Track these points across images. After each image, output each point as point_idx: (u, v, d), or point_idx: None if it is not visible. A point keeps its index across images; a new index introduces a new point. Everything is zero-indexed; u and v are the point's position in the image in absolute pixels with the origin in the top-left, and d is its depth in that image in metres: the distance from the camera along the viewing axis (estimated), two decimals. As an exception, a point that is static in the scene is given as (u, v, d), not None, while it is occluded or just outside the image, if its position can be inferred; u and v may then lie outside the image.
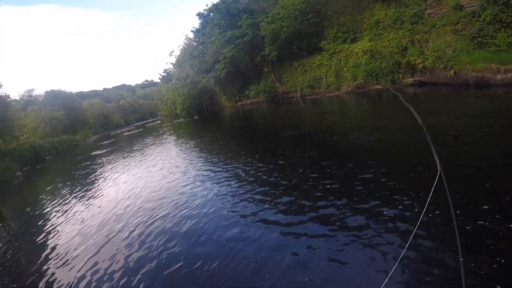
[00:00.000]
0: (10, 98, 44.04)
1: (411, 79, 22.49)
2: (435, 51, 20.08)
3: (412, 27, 22.85)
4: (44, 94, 75.29)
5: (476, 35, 18.06)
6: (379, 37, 25.85)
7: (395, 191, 6.37)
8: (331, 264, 4.68)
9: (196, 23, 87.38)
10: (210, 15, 48.80)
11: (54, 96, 72.71)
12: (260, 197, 8.00)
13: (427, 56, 20.52)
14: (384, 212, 5.70)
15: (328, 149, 11.18)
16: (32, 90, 76.90)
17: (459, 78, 18.01)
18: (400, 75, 23.29)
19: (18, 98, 73.21)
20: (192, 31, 59.14)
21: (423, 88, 20.55)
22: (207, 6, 49.93)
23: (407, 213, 5.46)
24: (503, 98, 13.32)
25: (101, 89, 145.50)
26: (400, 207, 5.72)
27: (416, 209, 5.44)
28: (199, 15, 51.87)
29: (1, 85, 37.23)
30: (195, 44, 57.23)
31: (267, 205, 7.41)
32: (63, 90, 77.28)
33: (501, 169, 6.28)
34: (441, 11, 21.83)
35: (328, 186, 7.53)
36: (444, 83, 19.26)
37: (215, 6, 45.20)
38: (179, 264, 5.69)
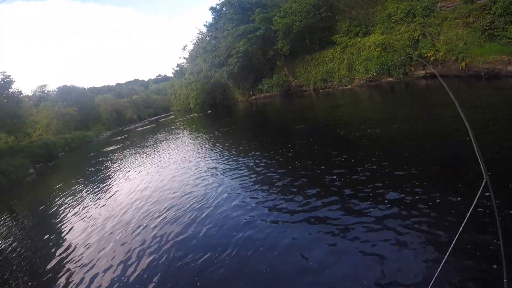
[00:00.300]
0: (22, 94, 43.76)
1: (422, 72, 22.92)
2: (447, 43, 20.48)
3: (424, 20, 23.21)
4: (56, 89, 75.62)
5: (487, 28, 18.43)
6: (391, 30, 26.24)
7: (410, 184, 6.34)
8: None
9: (209, 17, 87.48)
10: (223, 10, 49.35)
11: (66, 92, 72.53)
12: (271, 189, 8.15)
13: (438, 49, 20.95)
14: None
15: (337, 141, 11.47)
16: (45, 86, 77.78)
17: (470, 70, 18.45)
18: (412, 68, 23.69)
19: (30, 94, 74.19)
20: (205, 25, 59.84)
21: (434, 80, 20.95)
22: (220, 0, 50.45)
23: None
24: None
25: (114, 84, 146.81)
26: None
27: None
28: (212, 9, 52.46)
29: (14, 81, 37.43)
30: (208, 38, 57.89)
31: (277, 197, 7.56)
32: (75, 85, 77.35)
33: None
34: (453, 4, 22.14)
35: (341, 179, 7.62)
36: (455, 75, 19.68)
37: (228, 0, 45.73)
38: (191, 256, 5.83)
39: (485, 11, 18.97)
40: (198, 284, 4.98)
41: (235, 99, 57.63)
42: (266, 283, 4.62)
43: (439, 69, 21.07)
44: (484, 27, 18.61)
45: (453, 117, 9.99)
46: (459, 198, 5.38)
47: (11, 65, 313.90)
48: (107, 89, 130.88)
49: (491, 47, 17.61)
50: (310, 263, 4.73)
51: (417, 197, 5.80)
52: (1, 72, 36.39)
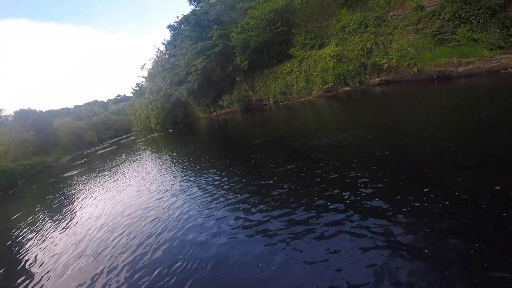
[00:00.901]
0: None
1: (377, 79, 22.95)
2: (399, 50, 20.63)
3: (376, 29, 23.45)
4: (13, 114, 71.61)
5: (437, 33, 18.66)
6: (345, 41, 26.38)
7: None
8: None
9: (168, 35, 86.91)
10: (180, 27, 48.64)
11: (24, 116, 68.91)
12: (224, 206, 8.22)
13: (391, 56, 21.07)
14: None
15: (291, 153, 11.52)
16: (1, 110, 73.98)
17: (423, 74, 18.53)
18: (367, 76, 23.71)
19: None
20: (163, 43, 58.77)
21: (389, 87, 21.02)
22: (177, 18, 49.92)
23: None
24: (462, 89, 13.71)
25: (72, 107, 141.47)
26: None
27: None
28: (170, 27, 51.64)
29: None
30: (166, 56, 56.75)
31: (230, 214, 7.62)
32: (33, 109, 73.54)
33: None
34: (403, 13, 22.51)
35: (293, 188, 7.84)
36: (408, 80, 19.79)
37: (185, 18, 45.27)
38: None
39: (434, 17, 19.30)
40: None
41: (196, 116, 56.40)
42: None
43: (393, 76, 21.19)
44: (434, 32, 18.84)
45: (407, 121, 10.32)
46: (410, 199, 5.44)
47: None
48: (65, 111, 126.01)
49: (441, 50, 17.76)
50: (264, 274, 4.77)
51: (371, 203, 5.83)
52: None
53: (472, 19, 17.35)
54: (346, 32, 26.48)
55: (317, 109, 22.80)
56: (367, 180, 6.73)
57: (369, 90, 22.25)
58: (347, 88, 25.37)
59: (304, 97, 30.42)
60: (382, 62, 21.65)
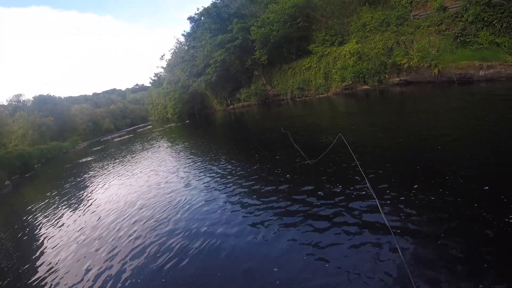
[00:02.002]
0: None
1: (397, 79, 22.98)
2: (420, 51, 20.63)
3: (397, 28, 23.46)
4: (32, 99, 73.26)
5: (459, 35, 18.62)
6: (365, 39, 26.43)
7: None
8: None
9: (188, 27, 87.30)
10: (201, 19, 48.93)
11: (42, 102, 70.61)
12: (241, 194, 8.41)
13: (412, 56, 21.07)
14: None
15: (302, 148, 11.39)
16: (21, 95, 75.13)
17: (443, 76, 18.55)
18: (386, 75, 23.76)
19: (6, 104, 71.68)
20: (183, 35, 58.92)
21: (408, 87, 21.05)
22: (198, 10, 50.22)
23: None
24: (483, 94, 13.75)
25: (91, 94, 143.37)
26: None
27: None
28: (190, 19, 52.07)
29: None
30: (186, 48, 57.18)
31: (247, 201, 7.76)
32: (51, 95, 75.28)
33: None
34: (425, 13, 22.44)
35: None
36: (428, 81, 19.80)
37: (206, 10, 45.52)
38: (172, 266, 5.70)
39: (457, 19, 19.24)
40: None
41: (213, 108, 57.01)
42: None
43: (413, 76, 21.21)
44: (456, 34, 18.81)
45: (426, 123, 10.23)
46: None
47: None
48: (84, 98, 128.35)
49: (463, 53, 17.76)
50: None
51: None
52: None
53: (495, 22, 17.29)
54: (367, 30, 26.53)
55: (334, 106, 22.98)
56: (374, 176, 6.94)
57: (388, 90, 22.33)
58: (365, 87, 25.48)
59: (322, 94, 30.63)
60: (402, 62, 21.69)
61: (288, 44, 36.61)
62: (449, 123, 9.80)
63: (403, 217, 5.04)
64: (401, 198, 5.63)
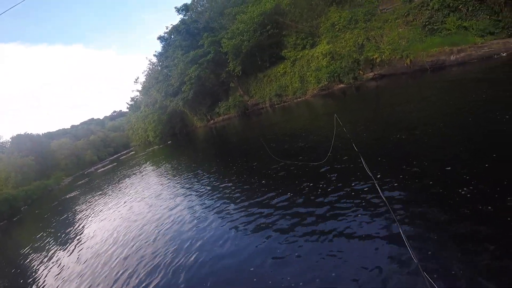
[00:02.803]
0: None
1: (371, 74, 22.92)
2: (390, 44, 20.64)
3: (366, 25, 23.51)
4: (10, 140, 71.83)
5: (427, 23, 18.66)
6: (336, 38, 26.43)
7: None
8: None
9: (159, 47, 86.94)
10: (171, 37, 48.73)
11: (21, 141, 69.31)
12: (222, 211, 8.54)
13: (383, 50, 21.06)
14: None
15: (284, 153, 11.48)
16: (-2, 137, 73.47)
17: (416, 65, 18.51)
18: (360, 72, 23.70)
19: None
20: (155, 55, 58.48)
21: (383, 80, 20.99)
22: (167, 28, 49.94)
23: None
24: (456, 78, 13.63)
25: (69, 127, 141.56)
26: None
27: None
28: (160, 38, 51.68)
29: None
30: (159, 68, 56.70)
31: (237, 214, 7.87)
32: (29, 133, 73.79)
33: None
34: (392, 6, 22.65)
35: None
36: (402, 72, 19.74)
37: (174, 27, 45.39)
38: None
39: (423, 8, 19.30)
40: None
41: (194, 125, 56.36)
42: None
43: (386, 69, 21.17)
44: (424, 23, 18.84)
45: (401, 115, 10.27)
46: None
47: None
48: (62, 132, 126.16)
49: (432, 40, 17.77)
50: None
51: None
52: None
53: (461, 7, 17.34)
54: (337, 29, 26.54)
55: (312, 109, 22.77)
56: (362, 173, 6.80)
57: (363, 86, 22.22)
58: (341, 85, 25.35)
59: (300, 98, 30.44)
60: (374, 57, 21.65)
61: (260, 52, 36.52)
62: (422, 112, 9.65)
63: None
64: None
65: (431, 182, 5.42)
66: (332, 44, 26.41)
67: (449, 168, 5.65)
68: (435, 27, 18.17)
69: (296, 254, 5.09)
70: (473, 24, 16.57)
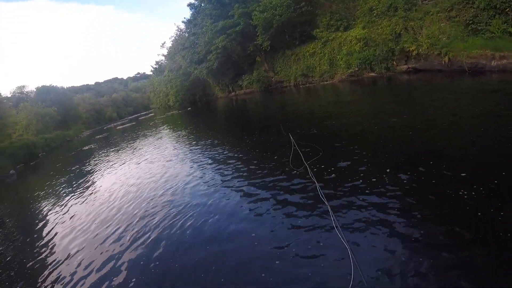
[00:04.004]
0: (1, 95, 43.31)
1: (405, 66, 22.46)
2: (429, 37, 19.96)
3: (406, 14, 22.70)
4: (35, 90, 74.13)
5: (470, 22, 17.96)
6: (372, 24, 25.73)
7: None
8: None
9: (188, 14, 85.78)
10: (201, 5, 47.85)
11: (45, 92, 71.51)
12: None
13: (421, 43, 20.43)
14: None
15: (302, 135, 11.52)
16: (24, 86, 75.76)
17: (454, 65, 18.03)
18: (394, 62, 23.25)
19: (9, 95, 72.48)
20: (183, 22, 58.05)
21: (417, 75, 20.58)
22: (198, -4, 49.13)
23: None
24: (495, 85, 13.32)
25: (93, 83, 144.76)
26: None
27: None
28: (190, 5, 50.86)
29: None
30: (186, 35, 56.28)
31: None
32: (54, 85, 76.21)
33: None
34: (435, -2, 21.71)
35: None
36: (438, 69, 19.26)
37: (206, -5, 44.57)
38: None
39: (468, 5, 18.48)
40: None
41: (215, 95, 56.61)
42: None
43: (422, 64, 20.73)
44: (467, 21, 18.14)
45: (433, 112, 10.11)
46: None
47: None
48: (86, 88, 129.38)
49: (474, 41, 17.15)
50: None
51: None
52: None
53: (508, 10, 16.54)
54: (374, 14, 25.80)
55: (339, 93, 22.59)
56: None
57: (395, 77, 21.87)
58: (372, 74, 24.97)
59: (327, 81, 30.14)
60: (411, 49, 21.09)
61: (291, 29, 35.87)
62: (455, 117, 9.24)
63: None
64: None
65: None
66: (368, 30, 25.71)
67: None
68: (479, 28, 17.48)
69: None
70: (519, 31, 15.95)
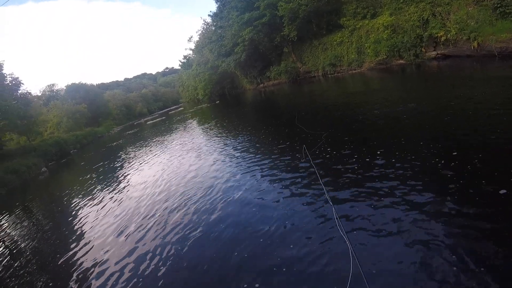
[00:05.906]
0: (31, 94, 44.39)
1: (434, 53, 22.65)
2: (457, 23, 20.11)
3: (433, -1, 22.78)
4: (65, 88, 75.51)
5: (498, 5, 17.95)
6: (399, 11, 25.92)
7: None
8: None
9: (214, 7, 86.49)
10: (227, -2, 48.68)
11: (75, 90, 72.94)
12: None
13: (449, 29, 20.62)
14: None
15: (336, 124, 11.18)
16: (54, 85, 77.54)
17: (483, 50, 18.20)
18: (423, 49, 23.42)
19: (39, 94, 73.96)
20: (209, 15, 58.93)
21: (446, 61, 20.78)
22: (223, -11, 49.85)
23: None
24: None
25: (122, 80, 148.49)
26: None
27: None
28: (216, -2, 51.78)
29: (22, 83, 37.65)
30: (213, 28, 57.17)
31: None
32: (84, 82, 77.33)
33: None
34: (462, -18, 21.63)
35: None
36: (467, 55, 19.46)
37: (232, -12, 45.23)
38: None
39: (496, -12, 18.51)
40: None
41: (243, 87, 57.62)
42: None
43: (451, 50, 20.87)
44: (495, 5, 18.14)
45: (466, 100, 9.86)
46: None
47: (20, 66, 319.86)
48: (115, 84, 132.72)
49: (503, 25, 17.26)
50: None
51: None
52: (10, 74, 36.11)
53: (537, -9, 16.60)
54: (401, 1, 25.98)
55: (369, 82, 22.95)
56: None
57: (424, 64, 22.09)
58: (401, 61, 25.21)
59: (355, 69, 30.52)
60: (439, 35, 21.30)
61: (318, 18, 36.17)
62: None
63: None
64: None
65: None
66: (395, 16, 25.91)
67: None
68: (507, 11, 17.46)
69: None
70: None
